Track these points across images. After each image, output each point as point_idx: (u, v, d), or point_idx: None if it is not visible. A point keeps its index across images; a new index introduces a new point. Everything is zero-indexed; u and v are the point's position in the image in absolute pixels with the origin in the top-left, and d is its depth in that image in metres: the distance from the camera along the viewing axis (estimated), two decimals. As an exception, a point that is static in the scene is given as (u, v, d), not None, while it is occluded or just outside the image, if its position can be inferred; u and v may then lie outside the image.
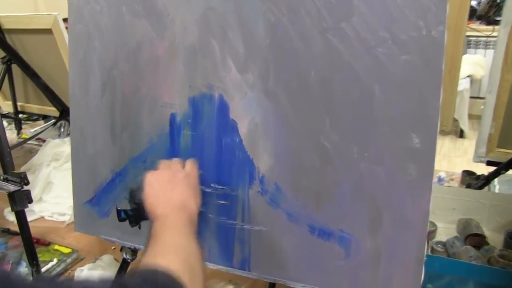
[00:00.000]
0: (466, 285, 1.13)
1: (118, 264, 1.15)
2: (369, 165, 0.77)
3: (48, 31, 1.78)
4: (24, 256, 1.22)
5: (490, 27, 4.08)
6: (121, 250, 1.11)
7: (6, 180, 1.04)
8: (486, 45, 4.28)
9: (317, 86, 0.79)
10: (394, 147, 0.75)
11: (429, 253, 1.25)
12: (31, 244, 1.07)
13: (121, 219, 1.01)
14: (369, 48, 0.74)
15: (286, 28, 0.79)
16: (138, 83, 0.94)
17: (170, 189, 0.79)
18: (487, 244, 1.28)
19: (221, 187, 0.89)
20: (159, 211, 0.76)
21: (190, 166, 0.86)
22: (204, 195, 0.91)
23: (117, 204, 1.00)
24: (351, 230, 0.81)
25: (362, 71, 0.75)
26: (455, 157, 3.93)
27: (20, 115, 2.35)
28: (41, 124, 2.54)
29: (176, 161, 0.86)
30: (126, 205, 1.00)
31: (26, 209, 1.09)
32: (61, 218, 1.58)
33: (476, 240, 1.29)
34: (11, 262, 1.29)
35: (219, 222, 0.91)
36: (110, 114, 0.98)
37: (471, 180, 1.82)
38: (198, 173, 0.86)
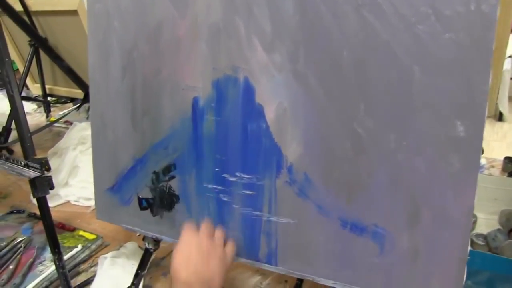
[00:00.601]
0: (510, 283, 1.05)
1: (142, 252, 1.12)
2: (407, 155, 0.70)
3: (74, 13, 1.76)
4: (49, 242, 1.20)
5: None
6: (143, 239, 1.08)
7: (26, 165, 1.01)
8: (530, 24, 4.07)
9: (351, 67, 0.72)
10: (436, 135, 0.68)
11: (469, 247, 1.17)
12: (52, 231, 1.04)
13: (142, 208, 0.98)
14: (409, 26, 0.67)
15: (317, 4, 0.72)
16: (159, 65, 0.89)
17: (206, 261, 0.77)
18: (533, 238, 1.20)
19: (246, 176, 0.84)
20: (183, 276, 0.74)
21: (231, 247, 0.84)
22: (229, 184, 0.86)
23: (139, 192, 0.97)
24: (386, 225, 0.74)
25: (400, 51, 0.68)
26: (493, 141, 3.77)
27: (49, 98, 2.35)
28: (69, 107, 2.55)
29: (219, 233, 0.84)
30: (148, 194, 0.96)
31: (52, 194, 1.07)
32: (86, 203, 1.57)
33: (521, 233, 1.21)
34: (36, 247, 1.27)
35: (244, 213, 0.86)
36: (131, 99, 0.94)
37: (514, 168, 1.72)
38: (235, 256, 0.86)
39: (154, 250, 1.08)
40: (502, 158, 1.88)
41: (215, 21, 0.81)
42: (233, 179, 0.86)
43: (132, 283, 1.07)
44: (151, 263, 1.16)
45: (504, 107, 4.02)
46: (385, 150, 0.72)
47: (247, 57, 0.79)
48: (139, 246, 1.27)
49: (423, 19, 0.66)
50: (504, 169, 1.80)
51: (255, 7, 0.77)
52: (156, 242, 1.07)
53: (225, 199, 0.87)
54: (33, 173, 0.99)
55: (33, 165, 0.99)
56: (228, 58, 0.81)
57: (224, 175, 0.86)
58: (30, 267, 1.21)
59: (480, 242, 1.21)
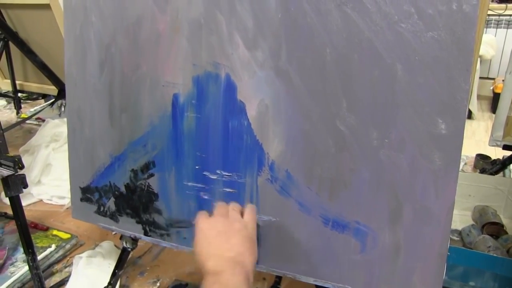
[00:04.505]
0: (482, 276, 1.08)
1: (119, 251, 1.10)
2: (389, 152, 0.71)
3: (47, 7, 1.71)
4: (21, 242, 1.17)
5: (503, 5, 3.95)
6: (120, 238, 1.06)
7: (-1, 164, 0.98)
8: (498, 24, 4.16)
9: (333, 65, 0.72)
10: (418, 133, 0.69)
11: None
12: (26, 231, 1.01)
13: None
14: (391, 24, 0.67)
15: (299, 1, 0.72)
16: (138, 61, 0.87)
17: (225, 240, 0.70)
18: (506, 233, 1.23)
19: (227, 173, 0.83)
20: (210, 264, 0.67)
21: (250, 215, 0.77)
22: (209, 182, 0.85)
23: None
24: (368, 222, 0.75)
25: (383, 49, 0.68)
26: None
27: (20, 94, 2.29)
28: (41, 103, 2.49)
29: (234, 207, 0.78)
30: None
31: (24, 192, 1.04)
32: (60, 202, 1.54)
33: (494, 228, 1.24)
34: (7, 248, 1.24)
35: (225, 211, 0.85)
36: (109, 95, 0.92)
37: (485, 165, 1.76)
38: (257, 224, 0.78)
39: (132, 249, 1.06)
40: (473, 155, 1.92)
41: (196, 17, 0.80)
42: (213, 176, 0.85)
43: (109, 283, 1.05)
44: (128, 262, 1.14)
45: (473, 105, 4.10)
46: (367, 147, 0.72)
47: (229, 54, 0.79)
48: (115, 245, 1.25)
49: (406, 17, 0.66)
50: (476, 166, 1.84)
51: (237, 3, 0.76)
52: (134, 241, 1.05)
53: (206, 197, 0.86)
54: (5, 172, 0.96)
55: (6, 163, 0.96)
56: (209, 55, 0.80)
57: (205, 173, 0.85)
58: (1, 268, 1.17)
59: (455, 238, 1.23)
